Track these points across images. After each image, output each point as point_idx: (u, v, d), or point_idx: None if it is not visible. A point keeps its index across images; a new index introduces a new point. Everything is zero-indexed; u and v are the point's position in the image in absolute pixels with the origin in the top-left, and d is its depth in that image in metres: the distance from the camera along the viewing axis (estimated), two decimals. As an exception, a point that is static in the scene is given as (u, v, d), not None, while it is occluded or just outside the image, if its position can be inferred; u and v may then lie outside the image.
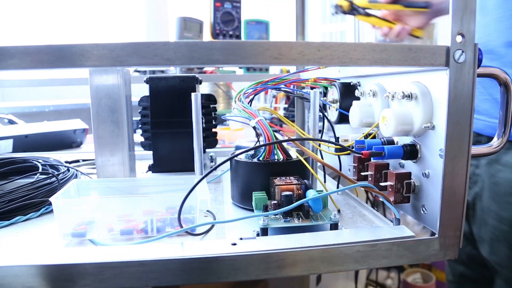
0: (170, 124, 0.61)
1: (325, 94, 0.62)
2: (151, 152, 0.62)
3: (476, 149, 0.44)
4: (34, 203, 0.49)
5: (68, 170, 0.60)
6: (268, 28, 1.29)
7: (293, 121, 0.79)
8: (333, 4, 0.47)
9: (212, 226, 0.43)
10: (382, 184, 0.45)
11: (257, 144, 0.66)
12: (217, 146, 0.67)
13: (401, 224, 0.41)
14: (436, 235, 0.38)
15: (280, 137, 0.52)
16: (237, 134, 1.19)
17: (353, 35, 2.33)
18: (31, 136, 0.99)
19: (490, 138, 0.46)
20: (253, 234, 0.40)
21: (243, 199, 0.49)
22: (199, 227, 0.42)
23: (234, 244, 0.36)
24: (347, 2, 0.52)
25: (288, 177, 0.46)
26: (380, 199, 0.42)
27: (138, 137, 0.65)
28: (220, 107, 1.36)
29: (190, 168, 0.57)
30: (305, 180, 0.44)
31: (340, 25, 2.71)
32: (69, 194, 0.44)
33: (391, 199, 0.43)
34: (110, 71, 0.54)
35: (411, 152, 0.42)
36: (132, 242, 0.39)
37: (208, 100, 0.64)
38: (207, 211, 0.48)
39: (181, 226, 0.40)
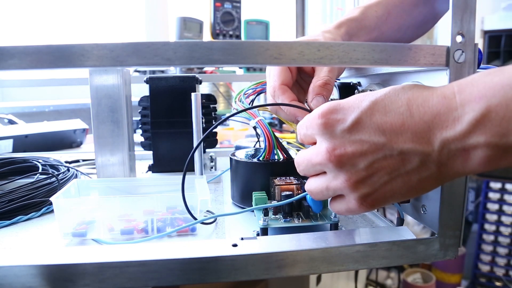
0: (170, 124, 0.61)
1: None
2: (151, 152, 0.62)
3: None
4: (35, 203, 0.49)
5: (68, 170, 0.60)
6: (268, 28, 1.29)
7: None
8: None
9: (215, 220, 0.43)
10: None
11: (257, 144, 0.66)
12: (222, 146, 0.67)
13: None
14: (436, 235, 0.38)
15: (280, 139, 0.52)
16: (243, 134, 1.19)
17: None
18: (31, 136, 0.99)
19: None
20: (253, 234, 0.40)
21: (243, 199, 0.49)
22: (201, 224, 0.42)
23: (235, 245, 0.36)
24: None
25: (288, 177, 0.46)
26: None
27: (138, 137, 0.65)
28: (220, 107, 1.36)
29: (190, 168, 0.57)
30: (305, 180, 0.44)
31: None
32: (69, 193, 0.44)
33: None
34: (110, 71, 0.54)
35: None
36: (133, 241, 0.40)
37: (208, 100, 0.64)
38: (207, 211, 0.48)
39: (194, 218, 0.41)
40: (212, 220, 0.44)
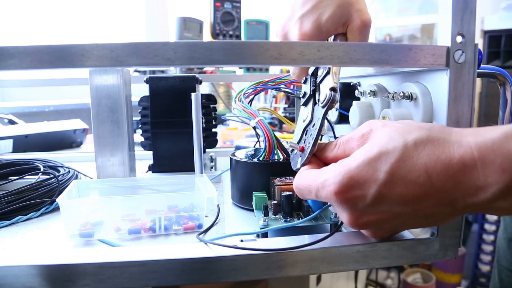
0: (170, 124, 0.61)
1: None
2: (151, 152, 0.62)
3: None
4: (34, 203, 0.49)
5: (69, 171, 0.60)
6: (268, 28, 1.29)
7: (293, 121, 0.79)
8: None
9: (215, 222, 0.43)
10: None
11: (257, 144, 0.66)
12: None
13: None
14: (436, 235, 0.38)
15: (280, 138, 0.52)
16: (246, 134, 1.19)
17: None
18: (31, 136, 0.99)
19: None
20: (253, 235, 0.40)
21: (243, 199, 0.49)
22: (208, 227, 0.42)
23: (235, 246, 0.36)
24: None
25: (288, 177, 0.46)
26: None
27: (138, 137, 0.65)
28: (220, 107, 1.36)
29: (190, 168, 0.57)
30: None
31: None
32: (71, 194, 0.44)
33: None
34: (110, 71, 0.54)
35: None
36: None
37: (208, 100, 0.64)
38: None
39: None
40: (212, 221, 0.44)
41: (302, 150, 0.40)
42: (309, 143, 0.39)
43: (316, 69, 0.42)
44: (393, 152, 0.30)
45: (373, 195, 0.30)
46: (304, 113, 0.43)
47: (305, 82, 0.44)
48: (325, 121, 0.39)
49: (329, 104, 0.38)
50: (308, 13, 0.44)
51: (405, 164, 0.29)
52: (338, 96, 0.38)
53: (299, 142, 0.42)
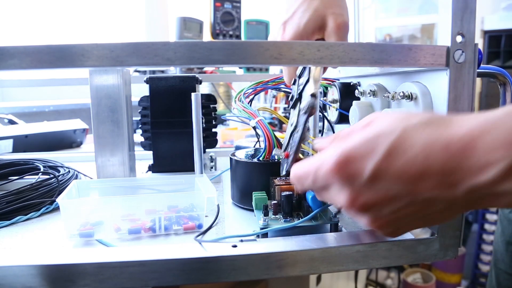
0: (170, 124, 0.61)
1: (325, 94, 0.62)
2: (151, 152, 0.62)
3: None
4: (34, 203, 0.49)
5: (69, 171, 0.60)
6: (268, 28, 1.29)
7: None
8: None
9: (215, 222, 0.43)
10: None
11: (257, 144, 0.66)
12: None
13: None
14: (436, 235, 0.38)
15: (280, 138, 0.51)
16: (246, 134, 1.19)
17: (353, 35, 2.32)
18: (31, 136, 0.99)
19: None
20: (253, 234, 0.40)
21: (243, 199, 0.49)
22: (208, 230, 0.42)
23: (235, 246, 0.36)
24: None
25: (288, 177, 0.46)
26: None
27: (138, 137, 0.65)
28: (220, 107, 1.36)
29: (190, 168, 0.57)
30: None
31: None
32: (71, 194, 0.44)
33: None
34: (110, 71, 0.54)
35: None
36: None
37: (208, 100, 0.64)
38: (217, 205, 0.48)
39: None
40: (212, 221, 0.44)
41: (287, 156, 0.39)
42: (291, 150, 0.38)
43: (301, 74, 0.42)
44: (393, 132, 0.29)
45: (371, 169, 0.29)
46: (293, 116, 0.43)
47: (294, 83, 0.44)
48: (308, 126, 0.38)
49: (309, 111, 0.37)
50: (289, 20, 0.45)
51: (405, 142, 0.29)
52: (317, 102, 0.37)
53: (286, 147, 0.42)
